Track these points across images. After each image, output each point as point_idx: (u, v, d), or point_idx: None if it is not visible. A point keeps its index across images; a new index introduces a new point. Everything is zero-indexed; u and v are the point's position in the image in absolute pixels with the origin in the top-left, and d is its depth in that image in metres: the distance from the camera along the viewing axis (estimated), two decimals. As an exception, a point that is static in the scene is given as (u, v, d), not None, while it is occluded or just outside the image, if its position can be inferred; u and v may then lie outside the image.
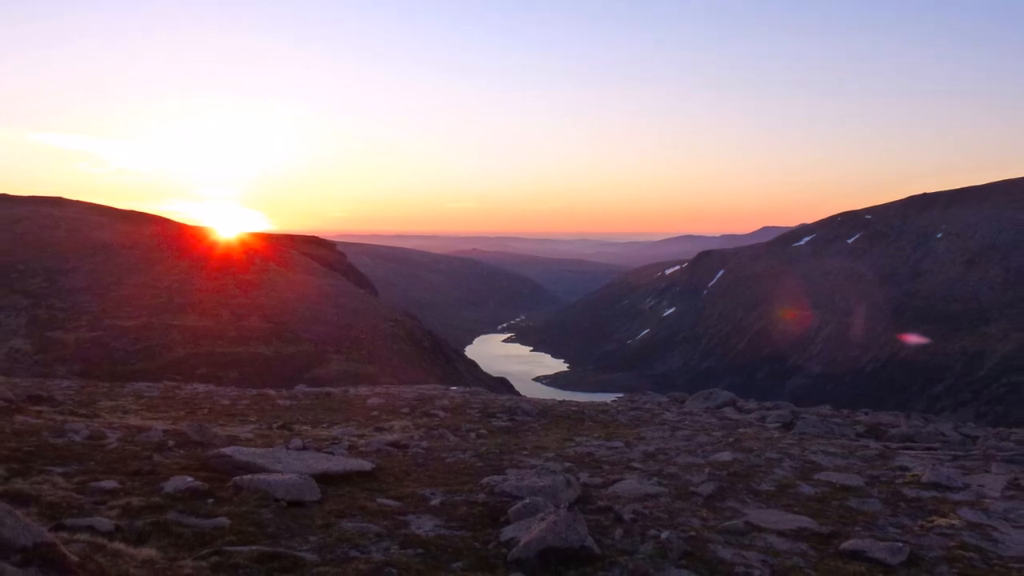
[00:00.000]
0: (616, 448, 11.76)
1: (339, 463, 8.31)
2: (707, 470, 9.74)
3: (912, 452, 12.50)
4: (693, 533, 6.62)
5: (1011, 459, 11.64)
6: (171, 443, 9.32)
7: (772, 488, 8.87)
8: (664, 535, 6.30)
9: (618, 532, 6.50)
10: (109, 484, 6.80)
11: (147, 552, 4.88)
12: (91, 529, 5.28)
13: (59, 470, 7.30)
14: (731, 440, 13.05)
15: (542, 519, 6.01)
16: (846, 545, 6.47)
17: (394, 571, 5.17)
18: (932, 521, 7.67)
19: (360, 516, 6.56)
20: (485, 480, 8.20)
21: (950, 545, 6.83)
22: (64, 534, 4.96)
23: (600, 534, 6.37)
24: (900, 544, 6.49)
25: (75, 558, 4.09)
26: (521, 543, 5.70)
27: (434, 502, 7.29)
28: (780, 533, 6.89)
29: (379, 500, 7.18)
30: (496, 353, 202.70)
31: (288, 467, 7.70)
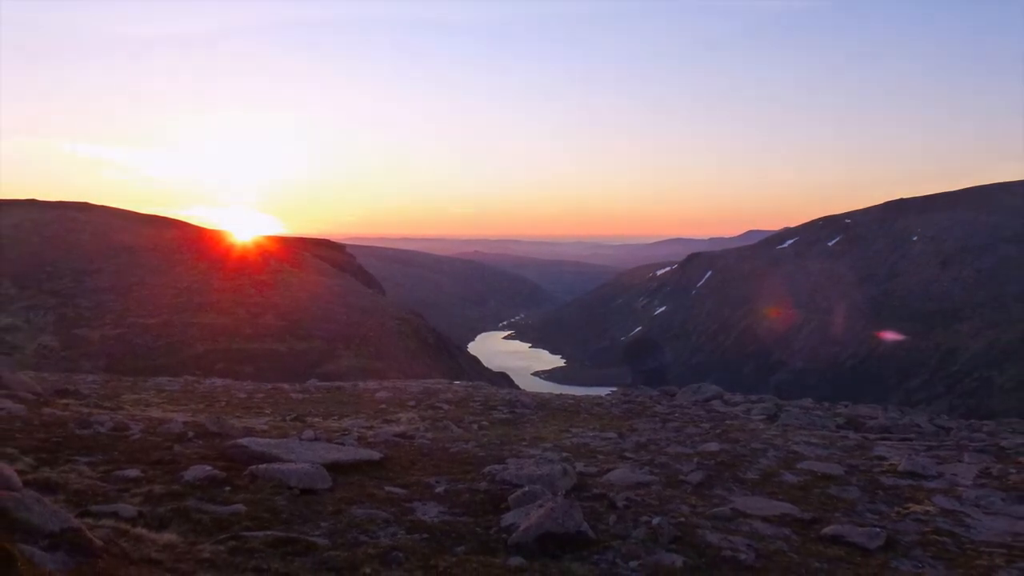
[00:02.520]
0: (610, 439, 11.75)
1: (349, 453, 8.30)
2: (696, 460, 9.74)
3: (889, 443, 12.49)
4: (683, 519, 6.62)
5: (982, 449, 11.63)
6: (191, 434, 9.32)
7: (757, 477, 8.87)
8: (655, 521, 6.30)
9: (612, 518, 6.49)
10: (132, 473, 6.80)
11: (168, 537, 4.88)
12: (115, 515, 5.28)
13: (85, 459, 7.29)
14: (718, 431, 13.04)
15: (540, 506, 6.01)
16: (827, 530, 6.47)
17: (401, 555, 5.17)
18: (908, 508, 7.67)
19: (369, 503, 6.56)
20: (487, 469, 8.20)
21: (925, 530, 6.82)
22: (90, 520, 4.96)
23: (595, 520, 6.36)
24: (878, 529, 6.48)
25: (100, 542, 4.08)
26: (521, 528, 5.70)
27: (439, 490, 7.28)
28: (765, 519, 6.89)
29: (387, 488, 7.17)
30: (497, 349, 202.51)
31: (301, 457, 7.70)
